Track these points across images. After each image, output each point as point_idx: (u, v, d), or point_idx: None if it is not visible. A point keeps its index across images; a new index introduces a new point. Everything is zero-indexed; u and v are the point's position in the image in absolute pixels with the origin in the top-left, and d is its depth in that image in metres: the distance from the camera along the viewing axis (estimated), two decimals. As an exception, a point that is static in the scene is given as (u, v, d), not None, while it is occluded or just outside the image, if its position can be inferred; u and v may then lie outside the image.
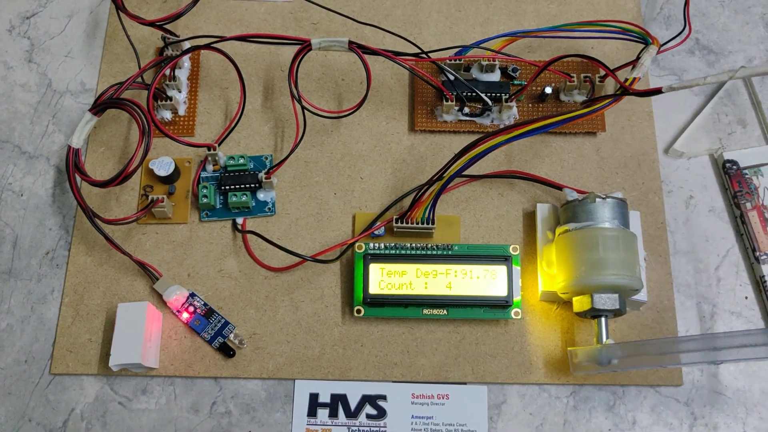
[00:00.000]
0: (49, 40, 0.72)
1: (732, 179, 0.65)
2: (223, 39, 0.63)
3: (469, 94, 0.65)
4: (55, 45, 0.72)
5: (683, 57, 0.71)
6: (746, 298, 0.63)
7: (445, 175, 0.60)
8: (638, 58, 0.62)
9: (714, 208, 0.65)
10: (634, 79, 0.60)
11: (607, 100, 0.59)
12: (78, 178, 0.62)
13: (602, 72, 0.66)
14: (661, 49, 0.65)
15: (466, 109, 0.66)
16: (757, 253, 0.62)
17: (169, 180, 0.64)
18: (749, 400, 0.59)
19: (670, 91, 0.56)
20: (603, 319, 0.57)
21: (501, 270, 0.60)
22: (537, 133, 0.58)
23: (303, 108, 0.64)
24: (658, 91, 0.56)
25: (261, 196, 0.64)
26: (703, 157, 0.67)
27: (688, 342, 0.53)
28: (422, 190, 0.61)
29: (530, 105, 0.67)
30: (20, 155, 0.67)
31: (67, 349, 0.61)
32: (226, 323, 0.61)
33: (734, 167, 0.65)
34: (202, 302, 0.61)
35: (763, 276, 0.62)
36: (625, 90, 0.58)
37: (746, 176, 0.65)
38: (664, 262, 0.63)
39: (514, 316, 0.60)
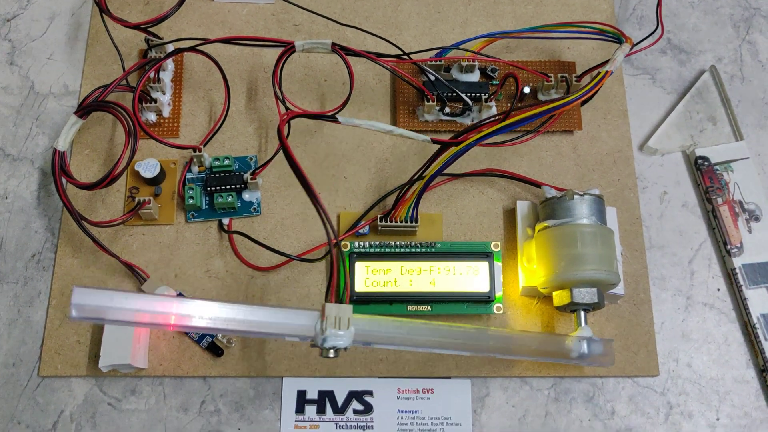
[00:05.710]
0: (31, 42, 0.72)
1: (704, 175, 0.67)
2: (207, 41, 0.64)
3: (449, 94, 0.67)
4: (36, 47, 0.72)
5: (656, 56, 0.73)
6: (718, 290, 0.65)
7: (426, 173, 0.61)
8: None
9: (687, 203, 0.68)
10: (606, 72, 0.61)
11: (590, 84, 0.60)
12: (64, 181, 0.62)
13: (579, 72, 0.68)
14: (635, 48, 0.67)
15: (447, 109, 0.67)
16: (728, 246, 0.65)
17: (155, 182, 0.65)
18: (722, 388, 0.62)
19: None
20: (582, 313, 0.59)
21: (483, 266, 0.61)
22: (513, 128, 0.59)
23: (287, 110, 0.64)
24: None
25: (246, 196, 0.65)
26: (677, 153, 0.69)
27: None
28: (404, 189, 0.62)
29: (509, 105, 0.68)
30: (4, 158, 0.67)
31: (56, 351, 0.61)
32: (214, 322, 0.61)
33: (706, 163, 0.68)
34: (190, 302, 0.62)
35: (734, 268, 0.64)
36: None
37: (717, 172, 0.67)
38: (640, 257, 0.65)
39: (496, 311, 0.61)
